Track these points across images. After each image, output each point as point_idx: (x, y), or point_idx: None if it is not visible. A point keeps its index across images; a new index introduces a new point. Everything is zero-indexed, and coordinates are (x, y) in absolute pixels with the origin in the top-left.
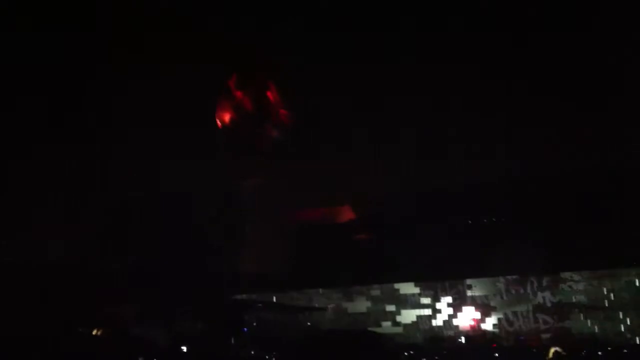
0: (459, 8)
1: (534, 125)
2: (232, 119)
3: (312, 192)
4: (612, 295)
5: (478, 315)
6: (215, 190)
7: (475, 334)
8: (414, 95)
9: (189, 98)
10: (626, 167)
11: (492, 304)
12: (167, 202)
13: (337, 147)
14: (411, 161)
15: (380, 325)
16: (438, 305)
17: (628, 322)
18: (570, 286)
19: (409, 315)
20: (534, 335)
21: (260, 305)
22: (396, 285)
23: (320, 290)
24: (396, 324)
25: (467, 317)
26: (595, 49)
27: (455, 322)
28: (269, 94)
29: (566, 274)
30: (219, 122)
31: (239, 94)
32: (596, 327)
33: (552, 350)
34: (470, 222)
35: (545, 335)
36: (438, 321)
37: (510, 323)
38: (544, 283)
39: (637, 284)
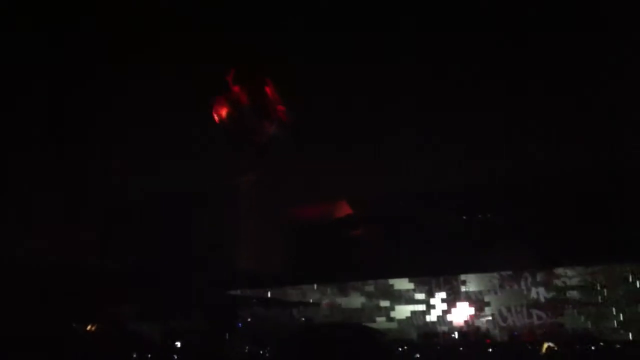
0: (459, 8)
1: (529, 124)
2: (228, 114)
3: (308, 189)
4: (605, 291)
5: (472, 310)
6: (212, 189)
7: (469, 330)
8: (412, 95)
9: (189, 98)
10: (620, 165)
11: (486, 299)
12: (164, 201)
13: (335, 146)
14: (407, 160)
15: (374, 321)
16: (432, 301)
17: (621, 318)
18: (564, 282)
19: (403, 311)
20: (528, 330)
21: (254, 301)
22: (390, 281)
23: (315, 286)
24: (390, 319)
25: (461, 313)
26: (595, 49)
27: (449, 317)
28: (267, 89)
29: (560, 270)
30: (215, 117)
31: (236, 88)
32: (589, 323)
33: (546, 345)
34: (465, 218)
35: (538, 331)
36: (432, 317)
37: (504, 318)
38: (538, 279)
39: (631, 280)
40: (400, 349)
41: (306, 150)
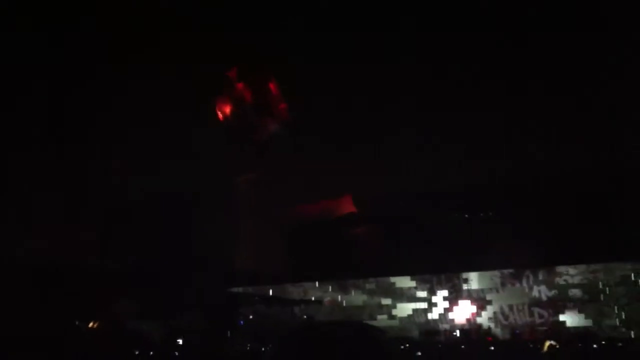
0: (459, 8)
1: (530, 124)
2: (231, 111)
3: (308, 189)
4: (607, 289)
5: (474, 308)
6: (213, 187)
7: (471, 328)
8: (412, 95)
9: (189, 98)
10: (621, 165)
11: (488, 297)
12: (165, 200)
13: (336, 145)
14: (409, 159)
15: (375, 319)
16: (434, 299)
17: (623, 317)
18: (565, 280)
19: (404, 309)
20: (529, 329)
21: (256, 298)
22: (392, 279)
23: (317, 284)
24: (392, 317)
25: (462, 311)
26: (595, 49)
27: (451, 315)
28: (270, 86)
29: (562, 268)
30: (219, 114)
31: (239, 85)
32: (591, 321)
33: (547, 343)
34: (466, 217)
35: (540, 329)
36: (434, 315)
37: (506, 317)
38: (540, 277)
39: (632, 278)
40: (401, 347)
41: (306, 149)
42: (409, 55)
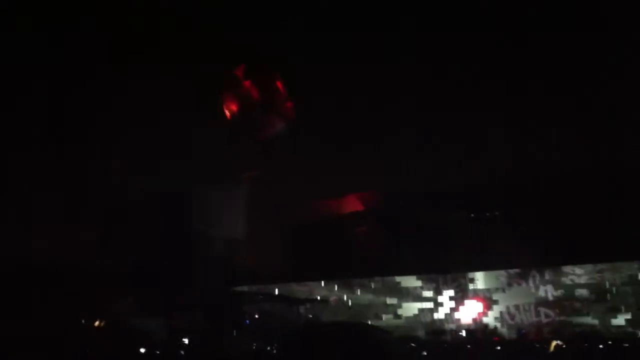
0: (459, 8)
1: (535, 123)
2: (237, 108)
3: (311, 188)
4: (614, 289)
5: (480, 308)
6: (214, 186)
7: (477, 328)
8: (414, 95)
9: (189, 97)
10: (627, 163)
11: (494, 297)
12: (166, 199)
13: (336, 145)
14: (412, 159)
15: (381, 318)
16: (440, 299)
17: (630, 317)
18: (572, 280)
19: (410, 308)
20: (536, 328)
21: (261, 297)
22: (398, 278)
23: (322, 283)
24: (397, 316)
25: (469, 311)
26: (595, 49)
27: (456, 315)
28: (277, 84)
29: (568, 268)
30: (226, 112)
31: (246, 83)
32: (598, 321)
33: (554, 343)
34: (472, 216)
35: (546, 329)
36: (440, 314)
37: (512, 316)
38: (546, 277)
39: (639, 278)
40: (407, 347)
41: (307, 149)
42: (409, 55)
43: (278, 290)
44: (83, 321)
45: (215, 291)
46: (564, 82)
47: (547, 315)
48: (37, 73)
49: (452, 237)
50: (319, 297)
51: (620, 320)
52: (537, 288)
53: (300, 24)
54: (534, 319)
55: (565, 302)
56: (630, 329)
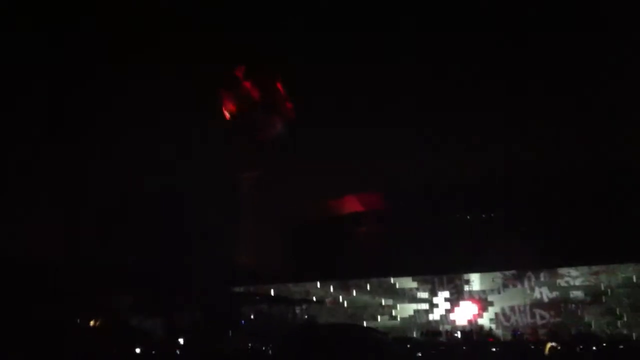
0: (459, 8)
1: (533, 124)
2: (238, 108)
3: (310, 188)
4: (609, 291)
5: (475, 310)
6: (214, 186)
7: (472, 329)
8: (413, 95)
9: (189, 97)
10: (624, 165)
11: (490, 299)
12: (166, 199)
13: (336, 145)
14: (411, 159)
15: (376, 319)
16: (435, 300)
17: (624, 319)
18: (567, 282)
19: (405, 309)
20: (531, 330)
21: (258, 298)
22: (393, 279)
23: (318, 284)
24: (393, 317)
25: (464, 312)
26: (595, 49)
27: (452, 316)
28: (278, 85)
29: (563, 270)
30: (225, 112)
31: (247, 84)
32: (593, 323)
33: (549, 345)
34: (468, 218)
35: (542, 331)
36: (435, 315)
37: (508, 318)
38: (542, 279)
39: (634, 280)
40: (402, 348)
41: (306, 149)
42: (409, 55)
43: (274, 291)
44: (78, 320)
45: (212, 291)
46: (564, 82)
47: (542, 317)
48: (37, 73)
49: (448, 238)
50: (315, 298)
51: (615, 322)
52: (532, 290)
53: (300, 24)
54: (529, 320)
55: (561, 304)
56: (625, 331)
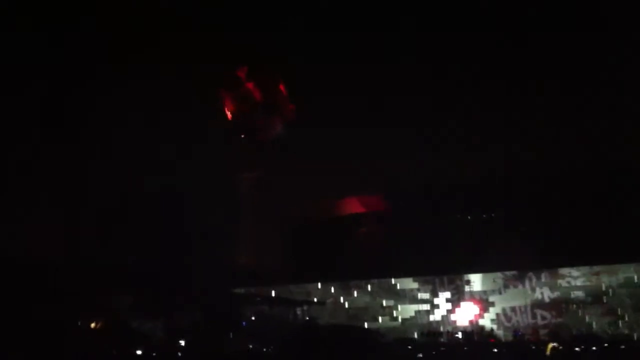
0: (459, 8)
1: (533, 124)
2: (240, 109)
3: (310, 189)
4: (610, 292)
5: (476, 310)
6: (215, 187)
7: (473, 330)
8: (413, 95)
9: (190, 98)
10: (624, 166)
11: (491, 299)
12: (167, 199)
13: (336, 145)
14: (411, 160)
15: (377, 320)
16: (436, 301)
17: (626, 319)
18: (568, 282)
19: (407, 310)
20: (532, 330)
21: (259, 299)
22: (394, 280)
23: (319, 285)
24: (394, 318)
25: (465, 313)
26: (595, 49)
27: (453, 317)
28: (280, 87)
29: (564, 271)
30: (227, 112)
31: (250, 85)
32: (594, 324)
33: (550, 346)
34: (469, 219)
35: (543, 331)
36: (436, 316)
37: (509, 318)
38: (543, 279)
39: (636, 280)
40: (403, 349)
41: (306, 149)
42: (409, 55)
43: (275, 292)
44: (84, 320)
45: (213, 292)
46: (564, 82)
47: (543, 318)
48: (37, 73)
49: (448, 239)
50: (315, 299)
51: (616, 322)
52: (533, 290)
53: (300, 24)
54: (531, 321)
55: (562, 304)
56: (626, 331)
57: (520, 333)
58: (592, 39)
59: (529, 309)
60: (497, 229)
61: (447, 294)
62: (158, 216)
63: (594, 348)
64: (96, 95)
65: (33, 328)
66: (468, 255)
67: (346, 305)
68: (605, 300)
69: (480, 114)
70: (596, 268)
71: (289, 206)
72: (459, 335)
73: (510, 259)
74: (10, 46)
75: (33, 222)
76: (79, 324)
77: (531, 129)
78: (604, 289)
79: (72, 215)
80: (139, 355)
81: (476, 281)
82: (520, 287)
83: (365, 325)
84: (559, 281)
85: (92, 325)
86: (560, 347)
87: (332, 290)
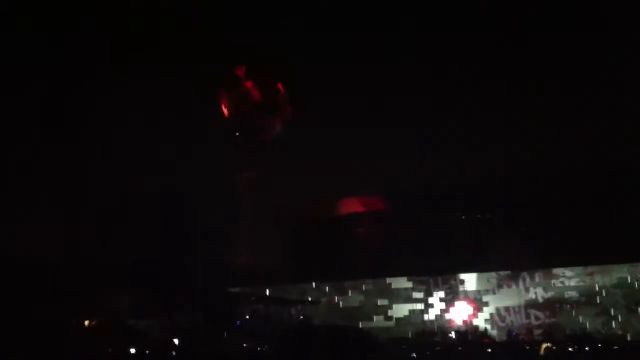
0: (459, 8)
1: (527, 124)
2: (238, 109)
3: (307, 188)
4: (604, 292)
5: (470, 310)
6: (212, 186)
7: (468, 329)
8: (413, 95)
9: (189, 97)
10: (619, 166)
11: (485, 299)
12: (164, 199)
13: (335, 145)
14: (411, 159)
15: (372, 320)
16: (431, 300)
17: (620, 319)
18: (562, 282)
19: (401, 310)
20: (526, 331)
21: (254, 298)
22: (389, 280)
23: (313, 285)
24: (389, 318)
25: (459, 313)
26: (595, 49)
27: (447, 317)
28: (279, 87)
29: (558, 271)
30: (225, 112)
31: (249, 84)
32: (588, 324)
33: (544, 346)
34: (464, 218)
35: (537, 331)
36: (430, 316)
37: (503, 319)
38: (537, 279)
39: (629, 281)
40: (397, 349)
41: (305, 149)
42: (409, 55)
43: (270, 292)
44: (81, 320)
45: (211, 292)
46: (563, 82)
47: (537, 318)
48: (37, 73)
49: (447, 239)
50: (310, 299)
51: (610, 323)
52: (527, 290)
53: (300, 24)
54: (525, 321)
55: (556, 305)
56: (620, 332)
57: (514, 333)
58: (592, 39)
59: (523, 309)
60: (494, 229)
61: (442, 294)
62: (156, 216)
63: (587, 348)
64: (96, 95)
65: (33, 328)
66: (466, 256)
67: (341, 305)
68: (599, 301)
69: (480, 114)
70: (590, 269)
71: (289, 206)
72: (453, 335)
73: (506, 259)
74: (10, 46)
75: (33, 222)
76: (79, 323)
77: (531, 129)
78: (597, 289)
79: (72, 215)
80: (134, 354)
81: (470, 281)
82: (514, 287)
83: (360, 325)
84: (553, 281)
85: (92, 325)
86: (554, 348)
87: (327, 290)
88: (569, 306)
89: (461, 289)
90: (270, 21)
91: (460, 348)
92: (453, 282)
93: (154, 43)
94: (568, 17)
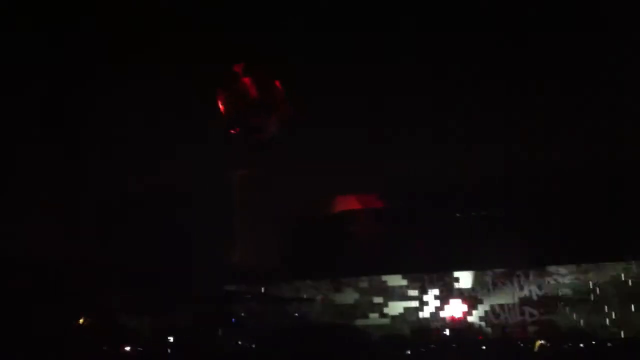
0: (459, 8)
1: (523, 123)
2: (236, 106)
3: (304, 187)
4: (598, 289)
5: (465, 307)
6: (207, 184)
7: (462, 326)
8: (413, 95)
9: (188, 96)
10: (615, 165)
11: (479, 296)
12: (158, 197)
13: (335, 145)
14: (411, 159)
15: (367, 317)
16: (425, 298)
17: (613, 316)
18: (556, 280)
19: (396, 307)
20: (520, 327)
21: (248, 296)
22: (384, 278)
23: (309, 282)
24: (383, 315)
25: (454, 309)
26: (595, 49)
27: (442, 314)
28: (277, 84)
29: (552, 268)
30: (222, 109)
31: (246, 81)
32: (582, 321)
33: (538, 343)
34: (458, 216)
35: (531, 328)
36: (425, 313)
37: (497, 316)
38: (531, 277)
39: (623, 278)
40: (391, 346)
41: (304, 149)
42: (409, 55)
43: (265, 290)
44: (74, 318)
45: (205, 289)
46: (562, 82)
47: (531, 315)
48: (37, 73)
49: (438, 237)
50: (305, 296)
51: (603, 320)
52: (521, 288)
53: (300, 24)
54: (519, 318)
55: (550, 302)
56: (613, 329)
57: (508, 330)
58: (592, 39)
59: (517, 306)
60: (489, 228)
61: (436, 291)
62: (150, 214)
63: (581, 345)
64: (96, 95)
65: (33, 328)
66: (457, 253)
67: (336, 302)
68: (592, 298)
69: (480, 114)
70: (584, 266)
71: (287, 206)
72: (447, 332)
73: (501, 257)
74: (10, 46)
75: (33, 222)
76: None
77: (524, 129)
78: (591, 286)
79: (72, 215)
80: (129, 351)
81: (465, 278)
82: (508, 284)
83: (355, 322)
84: (547, 279)
85: (90, 324)
86: (548, 344)
87: (322, 287)
88: (562, 303)
89: (456, 286)
90: (270, 21)
91: (454, 345)
92: (447, 279)
93: (154, 43)
94: (568, 17)
